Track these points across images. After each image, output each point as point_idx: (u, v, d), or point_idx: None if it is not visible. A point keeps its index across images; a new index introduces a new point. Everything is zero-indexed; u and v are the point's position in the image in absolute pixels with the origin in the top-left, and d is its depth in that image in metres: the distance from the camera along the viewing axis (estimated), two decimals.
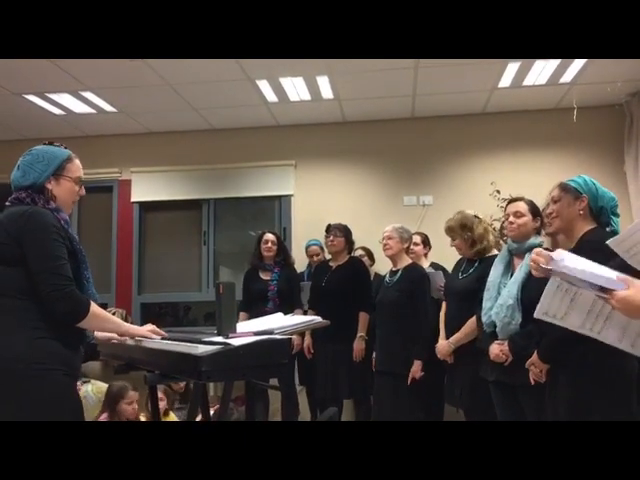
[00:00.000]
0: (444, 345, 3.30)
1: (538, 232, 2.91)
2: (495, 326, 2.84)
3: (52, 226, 1.88)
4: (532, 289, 2.71)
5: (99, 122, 5.25)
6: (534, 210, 2.89)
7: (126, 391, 3.39)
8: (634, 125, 4.81)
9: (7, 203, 1.97)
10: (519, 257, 2.88)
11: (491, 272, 2.98)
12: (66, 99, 4.73)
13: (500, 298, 2.84)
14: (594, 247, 2.00)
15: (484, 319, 2.93)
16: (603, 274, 1.45)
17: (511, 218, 2.89)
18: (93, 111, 4.99)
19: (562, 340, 2.19)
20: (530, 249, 2.82)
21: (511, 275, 2.88)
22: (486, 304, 2.92)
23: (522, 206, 2.89)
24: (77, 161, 2.06)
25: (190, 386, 4.27)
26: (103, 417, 3.34)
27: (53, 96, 4.67)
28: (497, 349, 2.79)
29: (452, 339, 3.25)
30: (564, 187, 2.38)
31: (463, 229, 3.28)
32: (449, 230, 3.34)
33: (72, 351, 1.91)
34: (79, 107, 4.90)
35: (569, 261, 1.48)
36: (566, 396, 2.21)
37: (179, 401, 4.19)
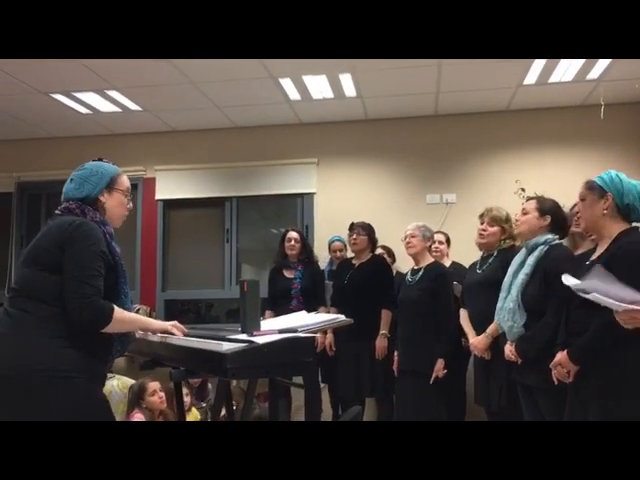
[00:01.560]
0: (480, 340, 3.16)
1: (552, 230, 2.87)
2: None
3: (95, 238, 1.93)
4: (532, 291, 2.73)
5: (124, 120, 5.31)
6: (544, 208, 2.88)
7: (145, 384, 3.43)
8: None
9: (57, 212, 2.04)
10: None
11: (508, 271, 2.98)
12: (92, 98, 4.79)
13: (505, 301, 2.86)
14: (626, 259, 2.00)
15: (496, 319, 2.96)
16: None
17: (518, 215, 2.94)
18: (118, 110, 5.05)
19: (598, 342, 2.17)
20: (535, 247, 2.83)
21: None
22: (499, 304, 2.95)
23: (530, 204, 2.91)
24: (125, 176, 2.17)
25: (207, 381, 4.31)
26: (137, 416, 3.38)
27: (79, 95, 4.74)
28: (507, 350, 2.84)
29: (488, 331, 3.12)
30: (589, 185, 2.33)
31: (507, 222, 3.31)
32: (495, 218, 3.32)
33: (97, 360, 1.93)
34: (105, 106, 4.96)
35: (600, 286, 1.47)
36: (598, 400, 2.16)
37: (195, 397, 4.22)
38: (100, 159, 2.16)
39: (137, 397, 3.45)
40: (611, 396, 2.12)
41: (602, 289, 1.45)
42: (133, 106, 4.98)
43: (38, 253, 1.94)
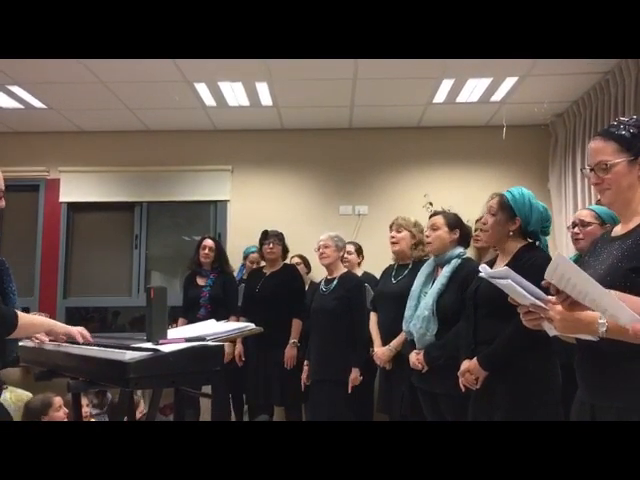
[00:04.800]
0: (384, 351, 3.29)
1: (460, 243, 2.99)
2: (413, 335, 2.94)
3: None
4: (447, 300, 2.83)
5: (27, 118, 5.03)
6: (452, 223, 2.98)
7: (50, 400, 3.25)
8: (558, 145, 5.06)
9: None
10: (442, 268, 2.97)
11: (415, 281, 3.07)
12: None
13: (418, 309, 2.92)
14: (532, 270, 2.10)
15: (404, 327, 3.03)
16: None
17: (427, 232, 3.01)
18: (21, 106, 4.78)
19: (508, 349, 2.28)
20: (449, 260, 2.94)
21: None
22: (407, 313, 3.02)
23: (438, 220, 2.99)
24: None
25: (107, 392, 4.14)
26: None
27: None
28: (414, 358, 2.90)
29: (393, 344, 3.24)
30: (502, 203, 2.42)
31: (415, 226, 3.40)
32: (400, 225, 3.41)
33: None
34: (6, 102, 4.68)
35: (514, 274, 1.54)
36: (505, 404, 2.27)
37: (97, 405, 4.04)
38: None
39: (40, 413, 3.24)
40: (517, 404, 2.23)
41: (516, 279, 1.52)
42: (37, 103, 4.73)
43: None
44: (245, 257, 4.85)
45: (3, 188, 2.01)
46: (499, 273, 1.58)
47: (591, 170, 1.64)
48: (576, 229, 2.74)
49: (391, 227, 3.47)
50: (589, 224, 2.70)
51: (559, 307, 1.46)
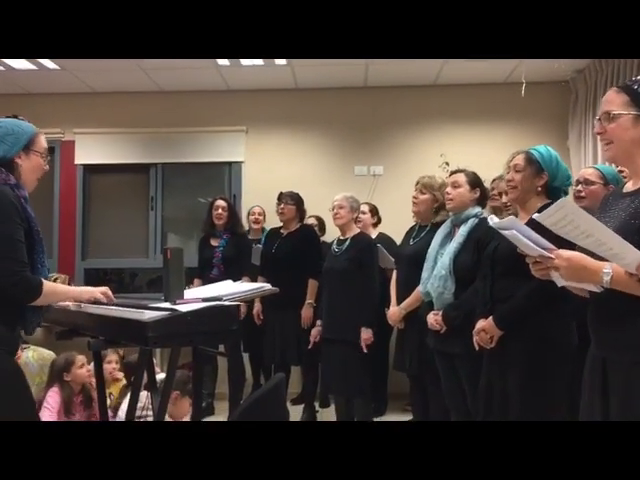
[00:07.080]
0: (395, 311, 3.33)
1: (479, 203, 2.96)
2: (431, 296, 2.93)
3: (11, 205, 1.83)
4: (464, 259, 2.82)
5: (41, 79, 5.02)
6: (473, 182, 2.93)
7: (73, 358, 3.34)
8: (579, 101, 4.95)
9: None
10: (459, 227, 2.94)
11: (432, 242, 3.05)
12: None
13: (435, 269, 2.91)
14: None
15: (421, 289, 3.03)
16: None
17: (448, 189, 2.96)
18: (34, 67, 4.76)
19: (524, 308, 2.29)
20: (467, 219, 2.90)
21: None
22: (424, 274, 3.01)
23: (460, 177, 2.94)
24: (43, 136, 2.04)
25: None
26: (54, 390, 3.27)
27: None
28: (432, 319, 2.89)
29: (403, 305, 3.27)
30: (529, 158, 2.38)
31: (439, 189, 3.26)
32: (426, 185, 3.29)
33: (9, 329, 1.88)
34: (19, 63, 4.66)
35: (520, 225, 1.54)
36: (520, 362, 2.28)
37: None
38: (15, 116, 2.03)
39: (62, 370, 3.33)
40: (531, 363, 2.24)
41: (521, 229, 1.52)
42: (50, 64, 4.71)
43: None
44: (248, 215, 4.88)
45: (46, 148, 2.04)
46: (505, 223, 1.58)
47: (598, 120, 1.64)
48: (579, 187, 2.70)
49: (416, 185, 3.37)
50: (593, 183, 2.66)
51: (565, 255, 1.47)
